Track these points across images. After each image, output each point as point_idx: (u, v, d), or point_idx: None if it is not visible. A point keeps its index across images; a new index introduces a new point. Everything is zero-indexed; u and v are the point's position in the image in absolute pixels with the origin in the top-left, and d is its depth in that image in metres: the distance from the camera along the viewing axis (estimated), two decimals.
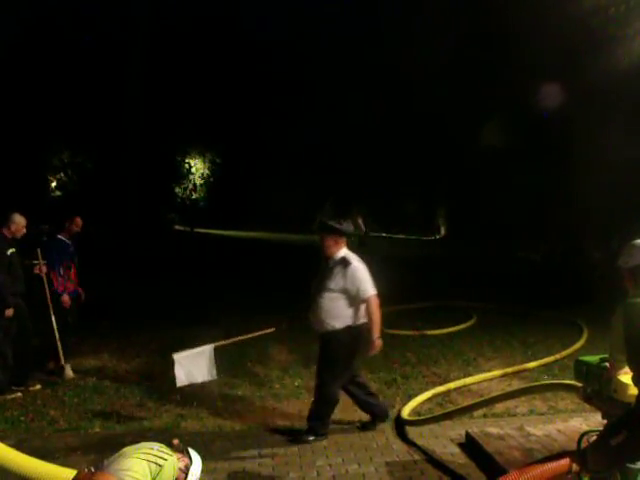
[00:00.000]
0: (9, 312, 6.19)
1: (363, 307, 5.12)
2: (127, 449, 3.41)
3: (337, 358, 5.13)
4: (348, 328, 5.11)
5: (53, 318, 6.90)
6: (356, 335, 5.13)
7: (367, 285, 5.09)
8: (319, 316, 5.17)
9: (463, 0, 28.82)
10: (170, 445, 3.64)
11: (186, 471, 3.57)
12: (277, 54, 45.04)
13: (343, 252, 5.24)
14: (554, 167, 26.76)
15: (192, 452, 3.72)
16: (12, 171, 23.62)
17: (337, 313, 5.12)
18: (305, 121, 48.74)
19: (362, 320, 5.16)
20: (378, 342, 5.09)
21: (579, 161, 23.60)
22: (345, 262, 5.14)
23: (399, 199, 52.91)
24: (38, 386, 6.63)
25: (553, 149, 26.79)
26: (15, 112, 23.48)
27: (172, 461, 3.43)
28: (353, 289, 5.07)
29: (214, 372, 5.67)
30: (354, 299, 5.10)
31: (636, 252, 3.34)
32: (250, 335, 6.03)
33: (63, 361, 7.03)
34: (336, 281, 5.12)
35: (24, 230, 6.52)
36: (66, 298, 7.05)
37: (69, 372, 7.03)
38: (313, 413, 5.26)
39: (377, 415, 5.50)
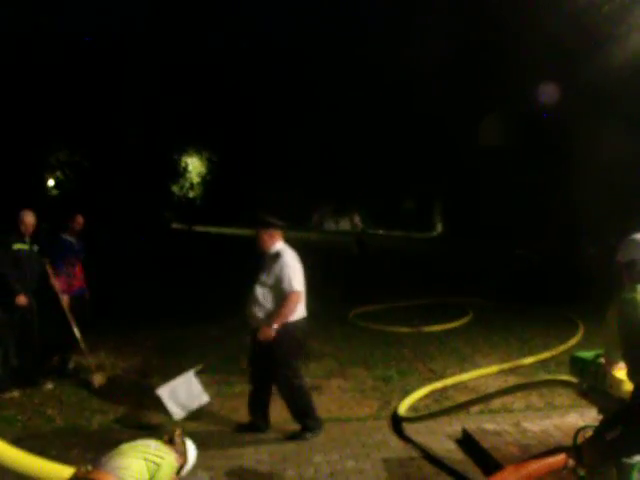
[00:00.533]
0: (21, 299, 6.19)
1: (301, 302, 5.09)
2: (124, 446, 3.42)
3: (285, 352, 5.05)
4: (285, 323, 5.02)
5: (73, 324, 6.79)
6: (292, 330, 5.05)
7: (292, 281, 4.99)
8: (253, 311, 5.12)
9: (461, 0, 28.87)
10: (171, 439, 3.67)
11: (182, 465, 3.63)
12: (276, 53, 45.02)
13: (278, 246, 5.20)
14: (551, 165, 26.83)
15: (189, 443, 3.76)
16: (9, 170, 23.57)
17: (271, 308, 5.06)
18: (303, 120, 48.77)
19: (300, 315, 5.12)
20: (268, 331, 4.95)
21: (576, 159, 23.65)
22: (277, 256, 5.10)
23: (397, 197, 53.05)
24: (50, 385, 6.60)
25: (550, 147, 26.85)
26: (13, 111, 23.43)
27: (170, 459, 3.45)
28: (279, 283, 5.02)
29: (205, 396, 5.70)
30: (276, 294, 5.06)
31: (632, 247, 3.36)
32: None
33: (90, 358, 6.93)
34: (269, 275, 5.09)
35: (30, 228, 6.49)
36: (65, 298, 6.99)
37: (100, 378, 6.77)
38: (297, 413, 5.22)
39: (258, 424, 5.33)
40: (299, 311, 5.12)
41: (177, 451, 3.65)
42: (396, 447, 4.97)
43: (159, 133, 29.52)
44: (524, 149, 28.78)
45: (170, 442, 3.69)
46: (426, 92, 37.05)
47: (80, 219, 7.30)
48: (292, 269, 5.06)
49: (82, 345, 6.83)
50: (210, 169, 38.58)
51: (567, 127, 24.31)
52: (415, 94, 40.24)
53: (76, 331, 6.80)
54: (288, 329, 5.03)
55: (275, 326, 4.97)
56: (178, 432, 3.79)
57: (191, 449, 3.79)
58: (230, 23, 36.15)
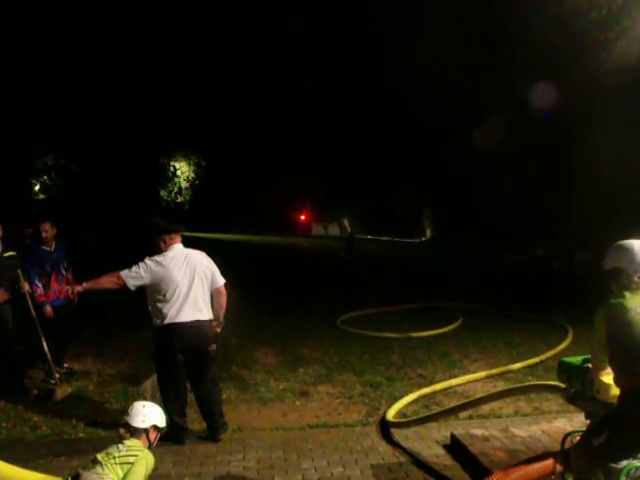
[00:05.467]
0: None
1: (170, 306, 5.07)
2: (98, 456, 3.47)
3: (155, 356, 5.24)
4: (157, 327, 5.13)
5: (40, 332, 6.57)
6: (164, 334, 5.09)
7: None
8: None
9: (453, 9, 29.03)
10: (129, 432, 3.67)
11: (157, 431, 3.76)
12: (265, 57, 45.04)
13: (169, 250, 5.31)
14: (540, 170, 26.98)
15: (136, 407, 3.79)
16: None
17: (150, 310, 5.23)
18: (293, 124, 48.83)
19: (171, 320, 5.05)
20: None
21: (565, 164, 23.81)
22: None
23: (387, 202, 53.17)
24: (35, 392, 6.52)
25: (539, 152, 27.00)
26: None
27: (143, 456, 3.50)
28: None
29: None
30: (151, 296, 5.20)
31: (616, 254, 3.38)
32: None
33: (54, 372, 6.69)
34: None
35: None
36: (48, 309, 6.81)
37: (62, 391, 6.52)
38: None
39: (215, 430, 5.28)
40: (168, 316, 5.06)
41: (141, 432, 3.69)
42: (384, 453, 4.95)
43: (147, 137, 29.38)
44: (513, 154, 28.93)
45: (133, 433, 3.70)
46: (418, 95, 37.19)
47: (45, 226, 7.03)
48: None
49: (48, 355, 6.62)
50: (199, 174, 38.46)
51: (557, 132, 24.45)
52: (407, 97, 40.39)
53: (43, 340, 6.58)
54: (161, 332, 5.13)
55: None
56: (122, 431, 3.76)
57: (141, 409, 3.80)
58: (220, 24, 36.00)
